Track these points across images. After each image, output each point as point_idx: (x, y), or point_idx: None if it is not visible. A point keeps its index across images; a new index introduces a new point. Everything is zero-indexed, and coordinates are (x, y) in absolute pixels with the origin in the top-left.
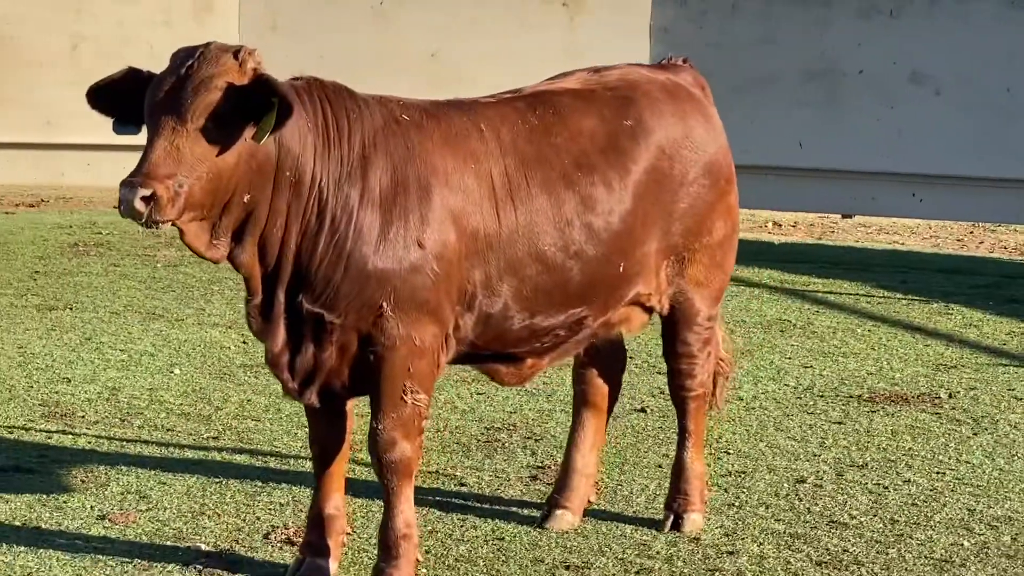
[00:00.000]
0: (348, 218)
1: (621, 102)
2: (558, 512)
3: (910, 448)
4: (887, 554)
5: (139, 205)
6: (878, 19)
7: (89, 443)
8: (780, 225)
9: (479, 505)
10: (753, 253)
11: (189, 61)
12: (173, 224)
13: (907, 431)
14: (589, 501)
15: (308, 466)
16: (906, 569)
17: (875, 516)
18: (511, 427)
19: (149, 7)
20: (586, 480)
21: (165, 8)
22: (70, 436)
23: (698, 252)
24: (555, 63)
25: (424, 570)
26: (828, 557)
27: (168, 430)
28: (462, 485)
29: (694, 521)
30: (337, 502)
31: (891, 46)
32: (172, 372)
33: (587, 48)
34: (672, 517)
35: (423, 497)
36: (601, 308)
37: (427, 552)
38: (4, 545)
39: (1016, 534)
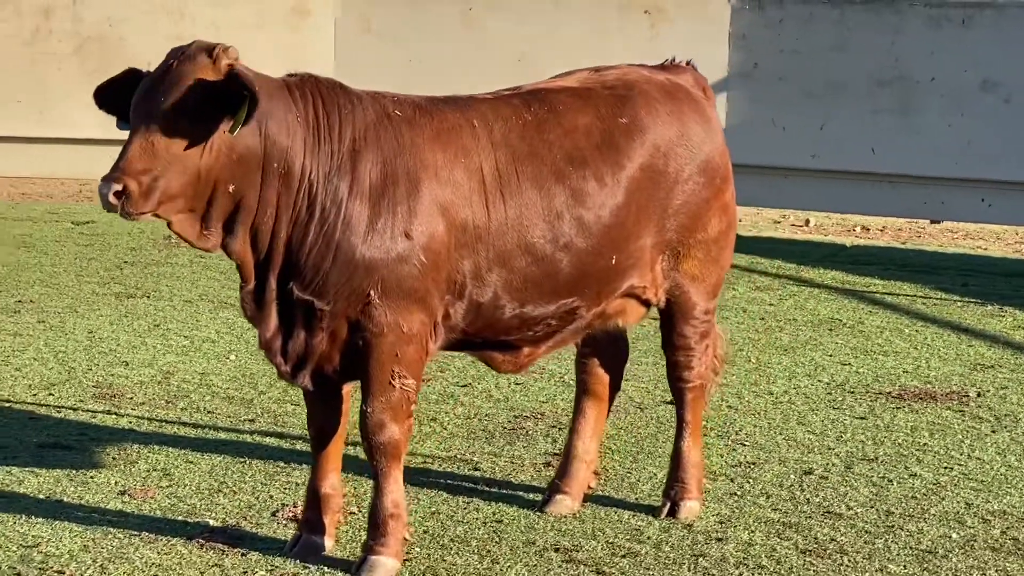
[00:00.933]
0: (337, 209)
1: (618, 100)
2: (558, 497)
3: (925, 444)
4: (874, 544)
5: (112, 199)
6: (949, 28)
7: (130, 423)
8: (868, 229)
9: (488, 489)
10: (823, 255)
11: (170, 61)
12: (157, 216)
13: (927, 427)
14: (589, 487)
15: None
16: (888, 559)
17: (872, 508)
18: (539, 416)
19: (245, 10)
20: (586, 467)
21: (260, 12)
22: (113, 416)
23: (693, 247)
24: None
25: (418, 549)
26: (814, 546)
27: (209, 412)
28: (476, 470)
29: (690, 508)
30: (333, 481)
31: (962, 54)
32: (228, 358)
33: (666, 54)
34: (669, 504)
35: (435, 480)
36: (594, 299)
37: (425, 532)
38: (24, 516)
39: (1007, 528)
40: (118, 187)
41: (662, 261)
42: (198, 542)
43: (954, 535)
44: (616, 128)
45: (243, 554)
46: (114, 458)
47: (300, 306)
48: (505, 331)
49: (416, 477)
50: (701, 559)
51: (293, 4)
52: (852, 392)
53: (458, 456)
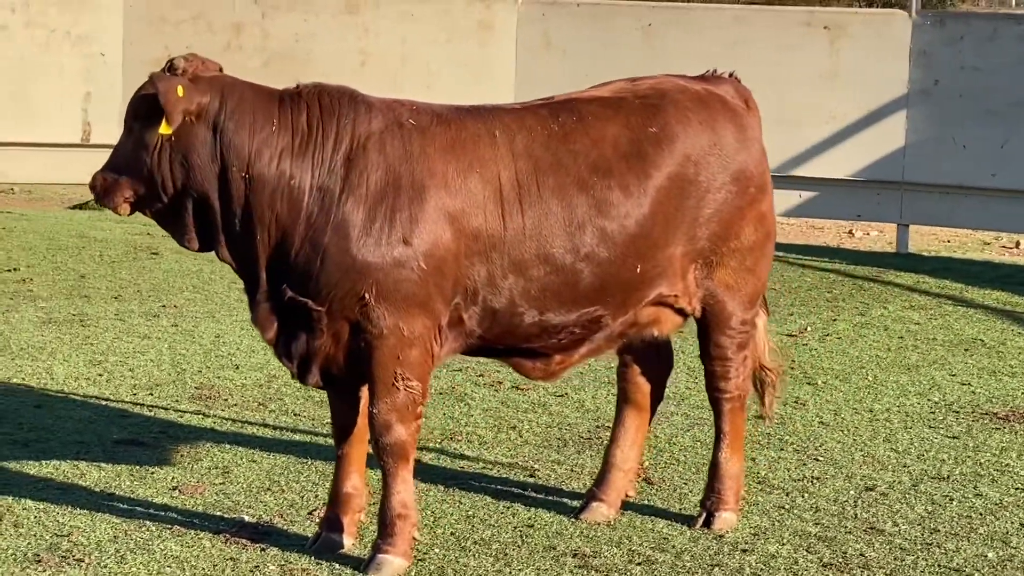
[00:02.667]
0: (326, 214)
1: (648, 110)
2: (594, 504)
3: (1007, 465)
4: (903, 560)
5: (89, 191)
6: None
7: (214, 423)
8: None
9: (535, 495)
10: (996, 276)
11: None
12: (143, 213)
13: (1018, 449)
14: (627, 495)
15: None
16: (906, 575)
17: (920, 526)
18: None
19: (431, 26)
20: (623, 475)
21: (447, 27)
22: (200, 416)
23: (726, 256)
24: (815, 85)
25: (437, 550)
26: (840, 560)
27: (295, 415)
28: (531, 476)
29: (725, 519)
30: (355, 481)
31: None
32: None
33: (846, 71)
34: (704, 515)
35: (486, 485)
36: (619, 308)
37: (452, 534)
38: (69, 507)
39: None
40: (91, 182)
41: (694, 270)
42: (224, 537)
43: (991, 555)
44: (645, 137)
45: (263, 549)
46: (182, 455)
47: (296, 308)
48: (526, 338)
49: (468, 482)
50: (716, 568)
51: (478, 19)
52: (958, 412)
53: (520, 463)
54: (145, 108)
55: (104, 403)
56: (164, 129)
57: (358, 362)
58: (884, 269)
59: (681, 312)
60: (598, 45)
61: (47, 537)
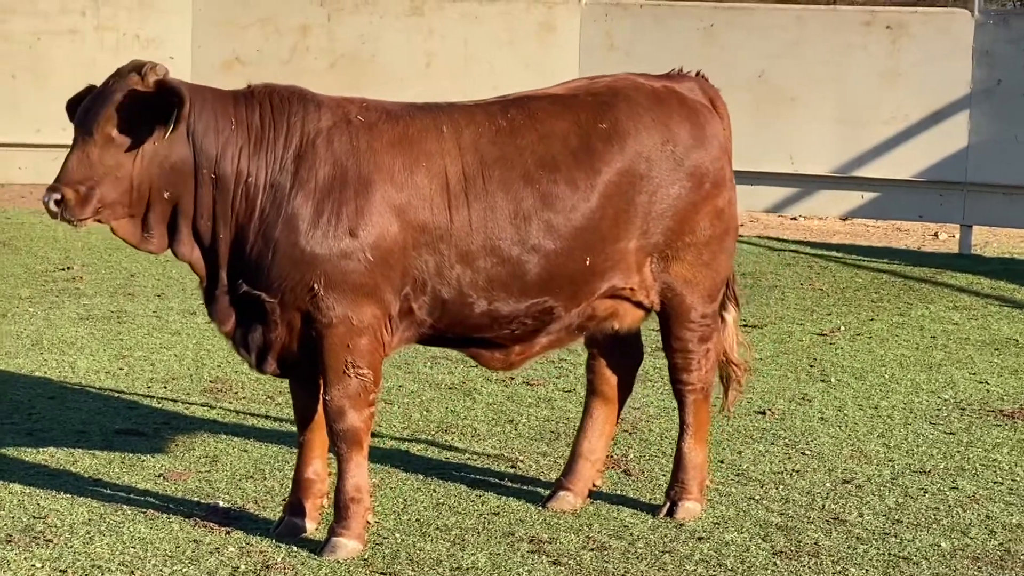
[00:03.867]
0: (277, 209)
1: (599, 107)
2: (561, 493)
3: (994, 460)
4: (855, 549)
5: (52, 207)
6: None
7: (217, 415)
8: None
9: (510, 485)
10: None
11: (108, 79)
12: (99, 221)
13: (1013, 446)
14: (594, 485)
15: (390, 445)
16: (856, 563)
17: (884, 516)
18: (634, 422)
19: (495, 28)
20: (591, 465)
21: (510, 28)
22: (206, 408)
23: (682, 251)
24: (876, 85)
25: (397, 535)
26: (792, 548)
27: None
28: (513, 467)
29: (688, 509)
30: (317, 467)
31: None
32: None
33: (908, 70)
34: (668, 504)
35: (464, 475)
36: (571, 299)
37: (417, 520)
38: (53, 491)
39: (1008, 540)
40: (57, 196)
41: (650, 264)
42: (194, 520)
43: (944, 544)
44: (594, 133)
45: (227, 533)
46: (176, 445)
47: (251, 300)
48: (477, 328)
49: (449, 472)
50: (667, 555)
51: (541, 20)
52: (964, 409)
53: (505, 455)
54: (131, 112)
55: (117, 395)
56: (166, 128)
57: (311, 351)
58: (941, 270)
59: (640, 305)
60: (660, 46)
61: (24, 519)
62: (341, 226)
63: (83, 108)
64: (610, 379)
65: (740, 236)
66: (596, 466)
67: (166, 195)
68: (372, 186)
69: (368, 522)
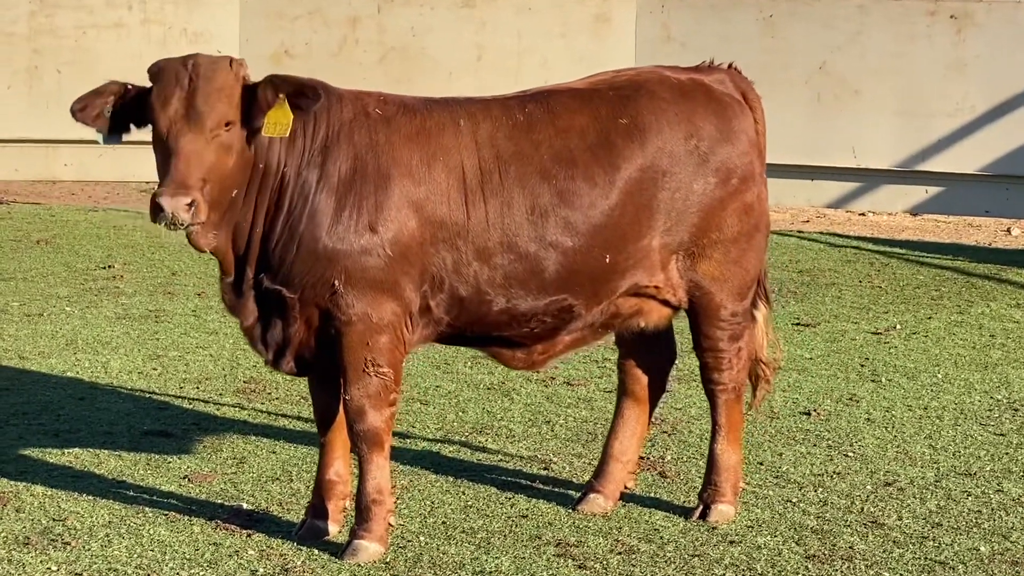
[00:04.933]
0: (304, 202)
1: (620, 101)
2: (591, 496)
3: None
4: (890, 553)
5: (183, 214)
6: None
7: (248, 416)
8: None
9: (542, 487)
10: None
11: (186, 74)
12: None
13: None
14: (626, 487)
15: (422, 447)
16: (890, 567)
17: (925, 520)
18: (663, 422)
19: (548, 20)
20: (622, 467)
21: (563, 21)
22: (236, 409)
23: (708, 248)
24: (941, 76)
25: (423, 538)
26: (825, 552)
27: None
28: (545, 469)
29: (721, 512)
30: (339, 468)
31: None
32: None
33: (973, 61)
34: (701, 507)
35: (495, 477)
36: (591, 297)
37: (443, 523)
38: (76, 493)
39: None
40: (187, 200)
41: (676, 262)
42: (216, 523)
43: (984, 548)
44: (614, 128)
45: (248, 535)
46: (204, 446)
47: (272, 296)
48: (496, 326)
49: (480, 474)
50: (696, 559)
51: (595, 12)
52: (1017, 410)
53: (539, 457)
54: (227, 109)
55: (148, 396)
56: (283, 124)
57: (330, 349)
58: (1007, 267)
59: (667, 304)
60: (718, 38)
61: (44, 521)
62: (362, 221)
63: (180, 105)
64: (641, 379)
65: (802, 232)
66: (628, 468)
67: (234, 193)
68: (391, 180)
69: (390, 524)
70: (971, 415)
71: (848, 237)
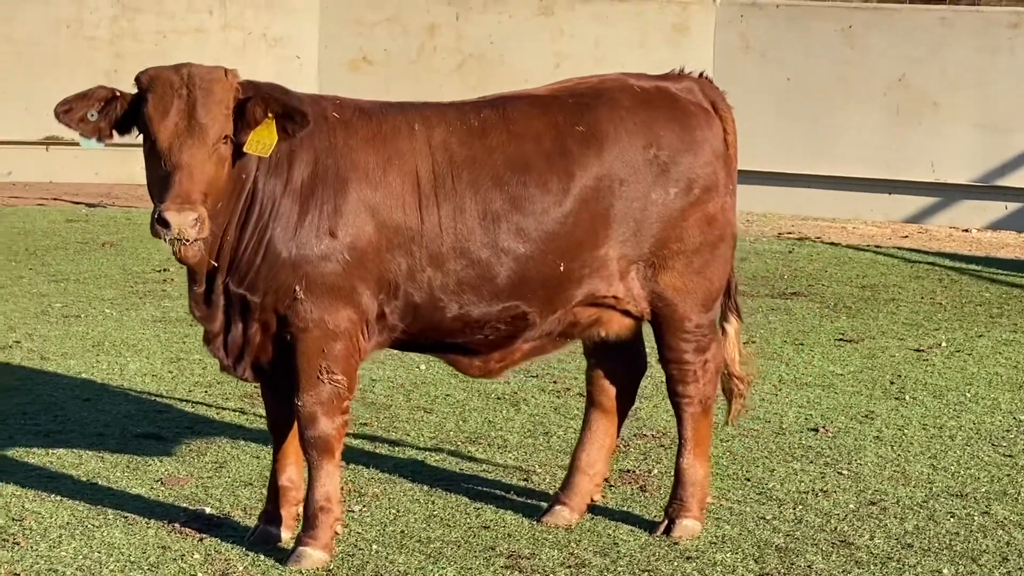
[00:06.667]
0: (272, 207)
1: (579, 108)
2: (556, 508)
3: None
4: (848, 573)
5: (190, 230)
6: None
7: (247, 421)
8: None
9: (514, 498)
10: None
11: (183, 85)
12: None
13: None
14: (592, 499)
15: (410, 455)
16: None
17: (897, 540)
18: (649, 434)
19: (627, 28)
20: (589, 479)
21: (642, 29)
22: (236, 414)
23: (670, 259)
24: (1021, 89)
25: (375, 546)
26: (782, 571)
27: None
28: (525, 480)
29: (686, 527)
30: (291, 474)
31: None
32: (419, 368)
33: None
34: (666, 521)
35: (471, 487)
36: (545, 305)
37: (401, 532)
38: (45, 493)
39: (1018, 569)
40: (194, 215)
41: (636, 272)
42: (173, 526)
43: (947, 570)
44: (571, 136)
45: (200, 539)
46: (189, 450)
47: (236, 300)
48: (450, 333)
49: (457, 483)
50: (646, 574)
51: (674, 21)
52: None
53: (523, 467)
54: (223, 122)
55: (154, 399)
56: (267, 143)
57: (286, 355)
58: None
59: (628, 314)
60: (797, 48)
61: (1, 520)
62: (322, 226)
63: (180, 117)
64: (608, 390)
65: (879, 247)
66: (595, 480)
67: (219, 205)
68: (348, 185)
69: (337, 532)
70: (986, 435)
71: (925, 252)
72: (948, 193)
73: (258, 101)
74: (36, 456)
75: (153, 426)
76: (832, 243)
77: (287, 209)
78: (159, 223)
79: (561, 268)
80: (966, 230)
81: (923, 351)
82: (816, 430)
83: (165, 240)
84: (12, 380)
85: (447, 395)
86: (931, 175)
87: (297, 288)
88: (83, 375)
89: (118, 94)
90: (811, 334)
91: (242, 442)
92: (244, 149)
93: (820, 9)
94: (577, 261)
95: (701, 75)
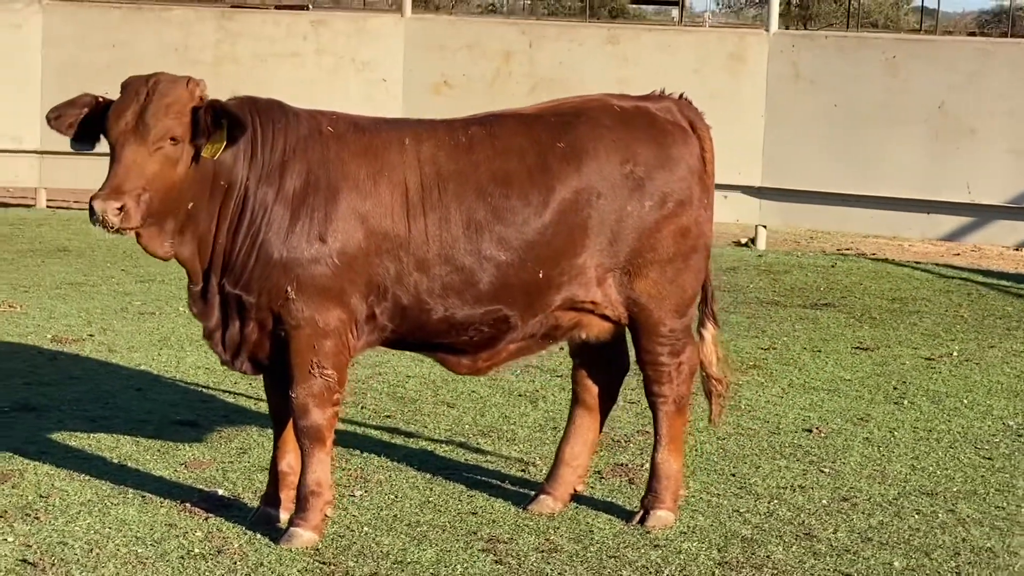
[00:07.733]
0: (264, 213)
1: (561, 126)
2: (541, 497)
3: (1013, 486)
4: (802, 563)
5: (112, 217)
6: None
7: None
8: None
9: (508, 487)
10: None
11: (144, 89)
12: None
13: None
14: (576, 490)
15: (421, 446)
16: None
17: (859, 535)
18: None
19: (688, 56)
20: (572, 471)
21: (701, 57)
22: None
23: (644, 267)
24: None
25: (367, 529)
26: (740, 560)
27: (361, 408)
28: (523, 471)
29: (660, 518)
30: (290, 460)
31: None
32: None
33: None
34: (641, 512)
35: (472, 476)
36: (526, 309)
37: (393, 517)
38: (77, 473)
39: (966, 564)
40: (117, 204)
41: (612, 279)
42: (185, 506)
43: (897, 563)
44: (551, 152)
45: (206, 519)
46: (219, 436)
47: (233, 300)
48: (436, 334)
49: (460, 473)
50: (613, 560)
51: (731, 51)
52: (1021, 436)
53: (524, 459)
54: (182, 124)
55: (201, 389)
56: (215, 149)
57: (282, 351)
58: None
59: (607, 318)
60: (844, 76)
61: (29, 496)
62: (313, 232)
63: (129, 117)
64: (592, 389)
65: (918, 263)
66: (577, 472)
67: (190, 205)
68: (339, 193)
69: (327, 515)
70: (971, 439)
71: (958, 268)
72: (983, 213)
73: (208, 109)
74: (78, 439)
75: (193, 414)
76: (873, 258)
77: (279, 215)
78: (89, 209)
79: (541, 275)
80: (1006, 247)
81: (933, 359)
82: (810, 431)
83: (96, 227)
84: (77, 370)
85: (472, 391)
86: (967, 196)
87: (289, 289)
88: (142, 367)
89: (100, 100)
90: (831, 342)
91: (269, 431)
92: (202, 153)
93: (866, 40)
94: (556, 268)
95: (680, 96)
